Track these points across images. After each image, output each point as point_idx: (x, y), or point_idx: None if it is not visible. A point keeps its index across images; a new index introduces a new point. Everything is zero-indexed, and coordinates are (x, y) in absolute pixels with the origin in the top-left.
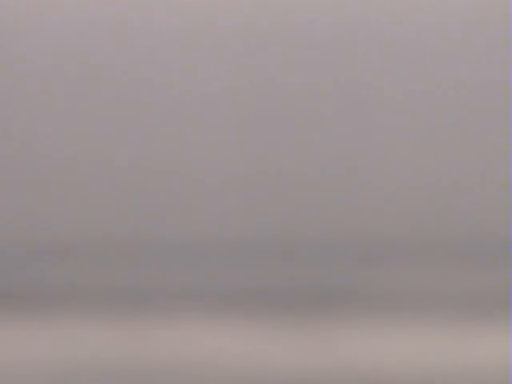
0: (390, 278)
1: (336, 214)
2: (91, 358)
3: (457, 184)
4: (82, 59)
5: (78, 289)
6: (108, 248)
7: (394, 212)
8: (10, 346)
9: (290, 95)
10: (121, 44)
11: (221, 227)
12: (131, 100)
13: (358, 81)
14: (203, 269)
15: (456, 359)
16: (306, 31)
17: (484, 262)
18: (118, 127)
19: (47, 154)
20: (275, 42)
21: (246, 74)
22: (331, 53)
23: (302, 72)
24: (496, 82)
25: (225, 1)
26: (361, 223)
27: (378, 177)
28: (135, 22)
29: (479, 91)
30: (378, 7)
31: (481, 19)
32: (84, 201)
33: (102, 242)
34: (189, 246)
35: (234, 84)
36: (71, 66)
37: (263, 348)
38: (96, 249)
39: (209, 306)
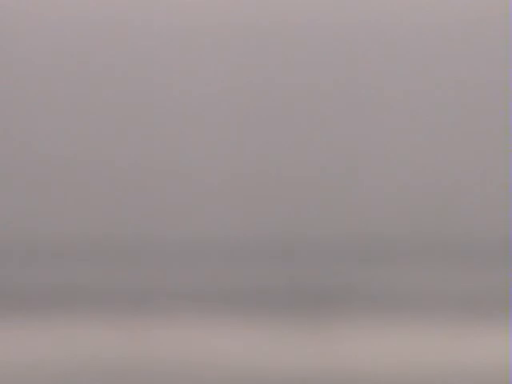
0: (390, 278)
1: (336, 214)
2: (91, 358)
3: (457, 184)
4: (81, 59)
5: (78, 289)
6: (108, 248)
7: (394, 212)
8: (10, 346)
9: (289, 95)
10: (121, 44)
11: (221, 227)
12: (131, 100)
13: (357, 81)
14: (203, 269)
15: (456, 359)
16: (306, 31)
17: (484, 262)
18: (117, 127)
19: (47, 153)
20: (275, 42)
21: (245, 74)
22: (331, 53)
23: (302, 72)
24: (496, 81)
25: (225, 1)
26: (361, 223)
27: (378, 177)
28: (135, 22)
29: (479, 91)
30: (378, 7)
31: (481, 19)
32: (84, 201)
33: (102, 242)
34: (189, 246)
35: (234, 84)
36: (71, 66)
37: (263, 348)
38: (96, 249)
39: (209, 305)
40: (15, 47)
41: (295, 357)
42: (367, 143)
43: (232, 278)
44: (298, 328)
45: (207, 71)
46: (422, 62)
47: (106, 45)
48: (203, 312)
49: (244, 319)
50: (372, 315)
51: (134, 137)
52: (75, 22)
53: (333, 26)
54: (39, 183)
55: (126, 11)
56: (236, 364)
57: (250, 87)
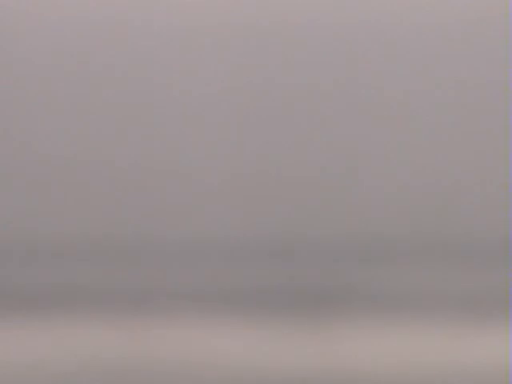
0: (390, 278)
1: (336, 214)
2: (91, 358)
3: (457, 184)
4: (81, 59)
5: (78, 289)
6: (108, 248)
7: (394, 212)
8: (10, 345)
9: (290, 95)
10: (121, 44)
11: (221, 227)
12: (131, 100)
13: (357, 81)
14: (203, 269)
15: (456, 359)
16: (306, 31)
17: (484, 262)
18: (117, 127)
19: (47, 153)
20: (275, 42)
21: (246, 74)
22: (331, 53)
23: (302, 72)
24: (496, 81)
25: (225, 1)
26: (361, 223)
27: (378, 177)
28: (135, 22)
29: (479, 91)
30: (378, 7)
31: (481, 19)
32: (84, 201)
33: (102, 242)
34: (189, 246)
35: (234, 84)
36: (71, 66)
37: (263, 348)
38: (96, 249)
39: (209, 305)
40: (15, 47)
41: (295, 357)
42: (367, 143)
43: (232, 278)
44: (298, 328)
45: (207, 71)
46: (422, 62)
47: (106, 45)
48: (203, 312)
49: (244, 319)
50: (372, 315)
51: (134, 137)
52: (75, 21)
53: (333, 25)
54: (39, 183)
55: (126, 11)
56: (236, 364)
57: (250, 87)
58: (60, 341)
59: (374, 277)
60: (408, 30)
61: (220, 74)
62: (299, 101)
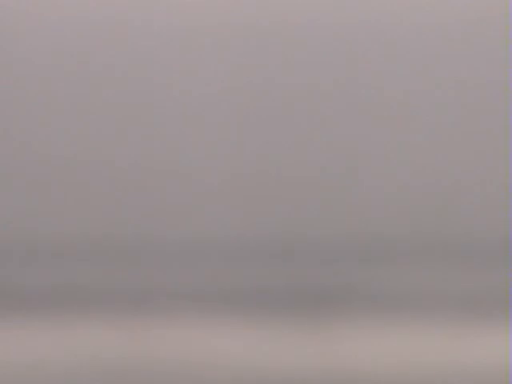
0: (390, 278)
1: (336, 213)
2: (91, 358)
3: (457, 184)
4: (81, 59)
5: (78, 289)
6: (108, 248)
7: (394, 212)
8: (10, 346)
9: (290, 95)
10: (121, 44)
11: (221, 227)
12: (131, 100)
13: (358, 81)
14: (203, 269)
15: (456, 359)
16: (306, 31)
17: (484, 262)
18: (117, 127)
19: (47, 153)
20: (275, 42)
21: (246, 74)
22: (331, 53)
23: (302, 72)
24: (496, 81)
25: (225, 1)
26: (361, 223)
27: (378, 177)
28: (135, 22)
29: (479, 91)
30: (378, 7)
31: (481, 19)
32: (84, 201)
33: (102, 242)
34: (189, 246)
35: (234, 84)
36: (71, 66)
37: (263, 348)
38: (96, 249)
39: (209, 305)
40: (15, 47)
41: (295, 357)
42: (367, 143)
43: (232, 278)
44: (298, 328)
45: (207, 71)
46: (422, 62)
47: (106, 45)
48: (203, 312)
49: (244, 319)
50: (372, 315)
51: (134, 137)
52: (75, 21)
53: (333, 25)
54: (39, 183)
55: (126, 11)
56: (236, 364)
57: (250, 87)
58: (60, 341)
59: (374, 277)
60: (408, 30)
61: (220, 74)
62: (299, 101)
